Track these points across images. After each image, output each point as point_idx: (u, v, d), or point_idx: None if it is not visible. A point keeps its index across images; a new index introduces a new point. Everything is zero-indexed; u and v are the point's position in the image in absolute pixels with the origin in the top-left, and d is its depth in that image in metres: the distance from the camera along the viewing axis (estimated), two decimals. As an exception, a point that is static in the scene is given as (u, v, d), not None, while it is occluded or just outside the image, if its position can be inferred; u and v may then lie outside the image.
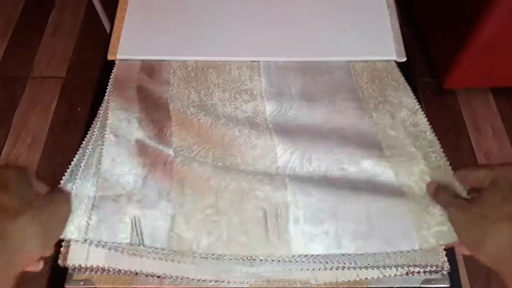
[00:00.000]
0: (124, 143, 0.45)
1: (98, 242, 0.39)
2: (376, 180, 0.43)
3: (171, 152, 0.45)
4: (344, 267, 0.39)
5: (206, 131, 0.47)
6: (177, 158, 0.44)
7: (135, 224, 0.40)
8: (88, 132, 0.46)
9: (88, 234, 0.38)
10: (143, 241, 0.39)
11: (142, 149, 0.45)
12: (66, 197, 0.39)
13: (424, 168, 0.44)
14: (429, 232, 0.39)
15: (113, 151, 0.44)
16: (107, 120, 0.46)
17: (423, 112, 0.48)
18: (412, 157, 0.45)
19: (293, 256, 0.39)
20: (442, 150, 0.44)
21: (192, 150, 0.46)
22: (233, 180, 0.43)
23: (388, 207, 0.41)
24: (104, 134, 0.45)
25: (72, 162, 0.43)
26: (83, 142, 0.45)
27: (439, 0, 1.23)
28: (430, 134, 0.46)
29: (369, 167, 0.44)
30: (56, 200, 0.38)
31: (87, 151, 0.44)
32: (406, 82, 0.53)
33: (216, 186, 0.42)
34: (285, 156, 0.45)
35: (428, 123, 0.47)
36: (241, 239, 0.40)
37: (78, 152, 0.44)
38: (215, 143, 0.46)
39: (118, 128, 0.46)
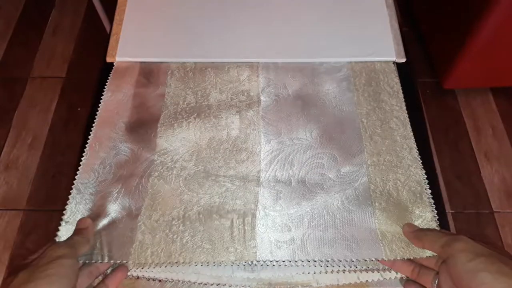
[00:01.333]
0: (107, 154, 0.47)
1: None
2: (352, 186, 0.44)
3: (154, 157, 0.46)
4: (344, 270, 0.40)
5: (194, 134, 0.48)
6: (156, 171, 0.45)
7: (100, 240, 0.40)
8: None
9: None
10: (106, 255, 0.39)
11: (121, 159, 0.46)
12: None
13: (400, 176, 0.45)
14: (397, 245, 0.40)
15: (95, 167, 0.46)
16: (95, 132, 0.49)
17: (410, 128, 0.49)
18: (391, 165, 0.46)
19: (258, 261, 0.39)
20: (422, 168, 0.45)
21: (177, 152, 0.47)
22: (206, 194, 0.44)
23: (357, 219, 0.42)
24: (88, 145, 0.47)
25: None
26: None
27: (439, 0, 1.23)
28: (415, 153, 0.47)
29: (346, 174, 0.45)
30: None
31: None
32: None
33: (188, 200, 0.43)
34: (269, 158, 0.46)
35: (413, 139, 0.48)
36: (205, 246, 0.40)
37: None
38: (201, 146, 0.47)
39: (102, 138, 0.48)
